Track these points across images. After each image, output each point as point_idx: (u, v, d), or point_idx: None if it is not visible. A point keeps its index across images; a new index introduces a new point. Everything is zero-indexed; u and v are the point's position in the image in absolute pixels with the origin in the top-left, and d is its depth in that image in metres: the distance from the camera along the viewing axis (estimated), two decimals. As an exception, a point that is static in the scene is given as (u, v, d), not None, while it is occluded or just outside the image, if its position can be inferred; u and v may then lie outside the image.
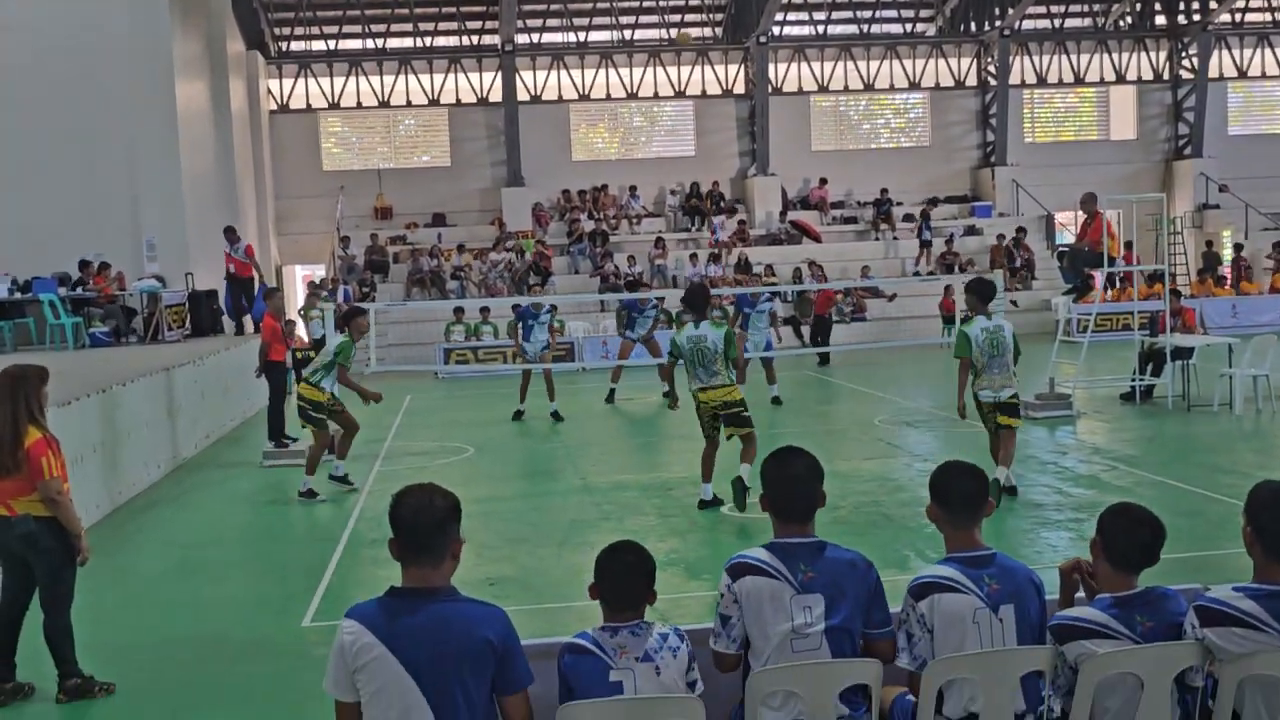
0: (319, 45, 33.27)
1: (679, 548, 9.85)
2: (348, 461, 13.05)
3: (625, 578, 4.17)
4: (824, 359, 24.93)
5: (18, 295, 20.44)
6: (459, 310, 26.27)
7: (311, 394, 12.63)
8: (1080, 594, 4.52)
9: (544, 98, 33.21)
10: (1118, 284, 26.76)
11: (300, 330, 24.95)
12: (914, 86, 34.68)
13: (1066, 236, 31.41)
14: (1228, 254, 33.25)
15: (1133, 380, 16.96)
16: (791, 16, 34.45)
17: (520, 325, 18.04)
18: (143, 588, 9.45)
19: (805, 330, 26.83)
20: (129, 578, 9.74)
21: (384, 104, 32.91)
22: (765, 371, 18.73)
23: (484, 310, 26.04)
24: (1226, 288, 29.83)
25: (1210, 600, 4.18)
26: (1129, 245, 22.91)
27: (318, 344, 22.24)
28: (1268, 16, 35.77)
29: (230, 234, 21.93)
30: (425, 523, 3.87)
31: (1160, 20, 35.44)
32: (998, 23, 33.24)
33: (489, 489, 12.45)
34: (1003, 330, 10.87)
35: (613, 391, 19.20)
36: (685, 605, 8.10)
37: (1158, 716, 4.15)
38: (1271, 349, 15.79)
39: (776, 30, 33.47)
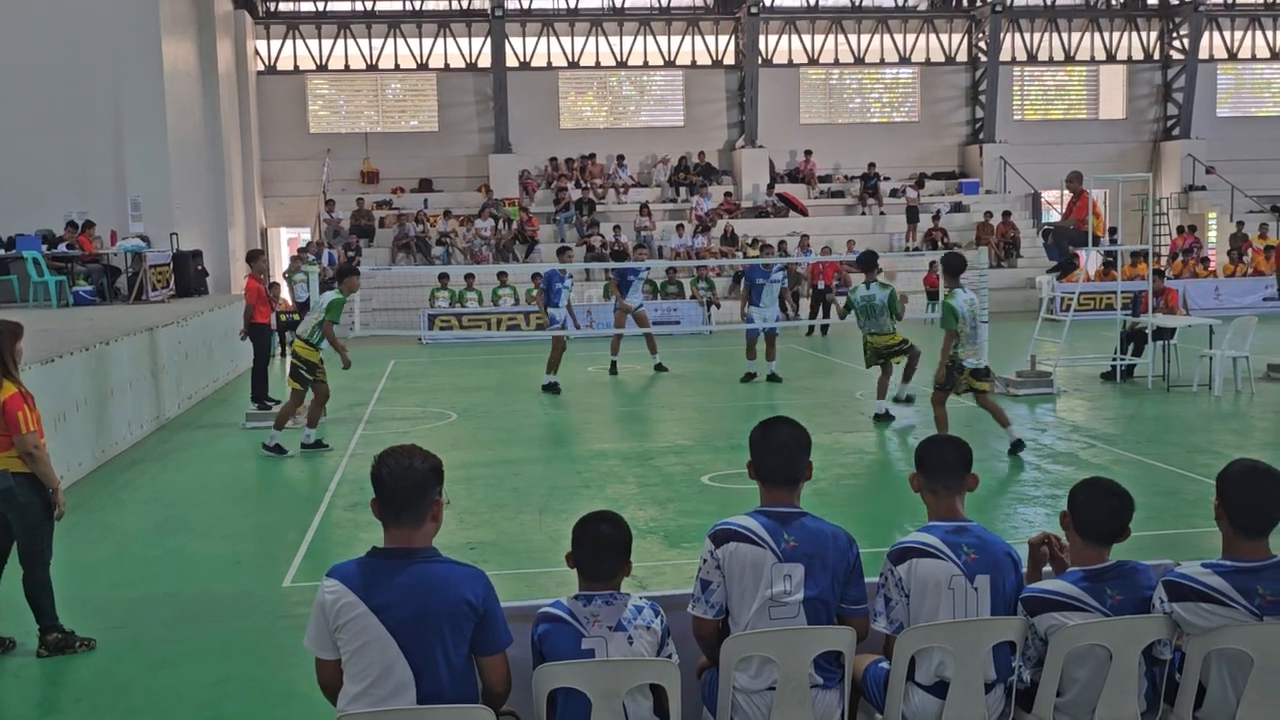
0: (307, 6, 32.92)
1: (658, 516, 9.91)
2: (328, 425, 13.06)
3: (600, 548, 4.18)
4: (824, 330, 25.47)
5: (1, 252, 20.35)
6: (444, 276, 26.23)
7: (308, 354, 12.86)
8: (1047, 568, 4.59)
9: (533, 64, 33.05)
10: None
11: (284, 294, 24.94)
12: (904, 61, 34.61)
13: (1053, 215, 31.48)
14: (1212, 235, 33.37)
15: (1114, 359, 17.07)
16: (783, -12, 34.34)
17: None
18: (125, 545, 9.46)
19: (789, 304, 26.93)
20: (112, 535, 9.75)
21: (372, 67, 32.68)
22: (767, 346, 17.47)
23: (469, 277, 25.99)
24: (1211, 269, 29.93)
25: (1179, 575, 4.24)
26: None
27: (302, 307, 22.24)
28: (1260, -2, 35.81)
29: None
30: (406, 484, 3.89)
31: (1152, 0, 35.41)
32: (989, -2, 33.21)
33: (471, 454, 12.49)
34: (975, 301, 11.71)
35: (614, 364, 19.10)
36: (664, 574, 8.17)
37: (1125, 688, 4.22)
38: (1252, 331, 15.90)
39: (768, 1, 33.32)
